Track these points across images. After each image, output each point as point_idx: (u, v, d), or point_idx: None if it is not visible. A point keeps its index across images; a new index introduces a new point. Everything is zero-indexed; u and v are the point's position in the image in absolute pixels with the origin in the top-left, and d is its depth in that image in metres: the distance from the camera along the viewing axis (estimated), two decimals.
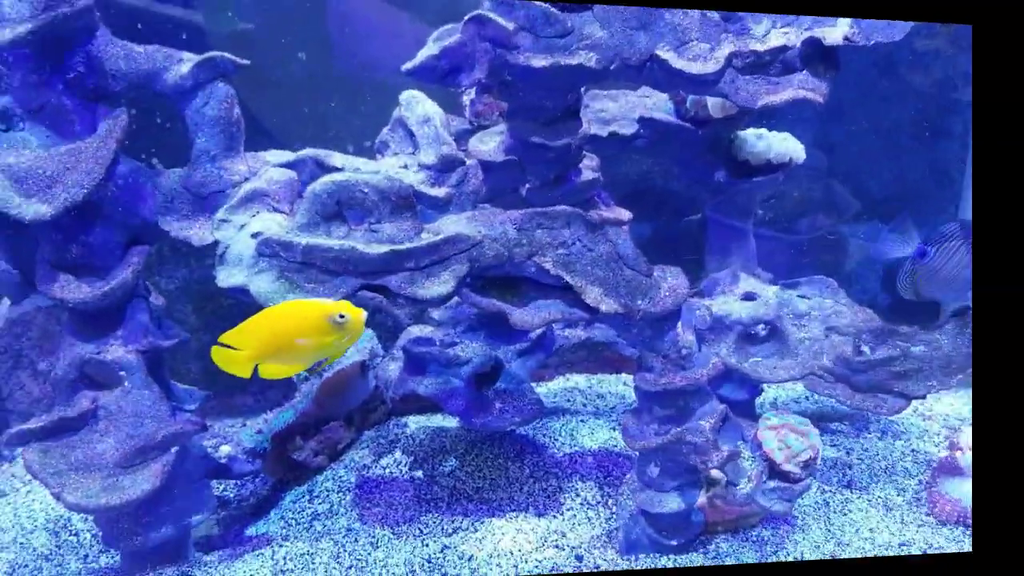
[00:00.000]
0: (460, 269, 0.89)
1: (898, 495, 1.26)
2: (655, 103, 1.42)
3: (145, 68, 0.88)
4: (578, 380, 1.84)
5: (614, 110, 1.40)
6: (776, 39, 0.93)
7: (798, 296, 1.32)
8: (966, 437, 1.19)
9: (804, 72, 0.95)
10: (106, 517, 0.98)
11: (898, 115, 1.82)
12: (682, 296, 0.94)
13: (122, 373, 0.97)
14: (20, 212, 0.81)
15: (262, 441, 1.35)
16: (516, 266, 0.93)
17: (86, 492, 0.90)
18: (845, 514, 1.20)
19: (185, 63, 0.90)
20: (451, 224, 0.95)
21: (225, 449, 1.33)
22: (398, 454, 1.42)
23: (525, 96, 0.99)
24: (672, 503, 1.02)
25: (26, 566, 1.14)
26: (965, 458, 1.17)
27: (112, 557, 1.13)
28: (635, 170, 1.77)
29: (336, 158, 1.09)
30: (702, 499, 1.08)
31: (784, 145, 1.44)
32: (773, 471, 1.02)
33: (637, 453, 1.05)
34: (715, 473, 1.05)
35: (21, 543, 1.20)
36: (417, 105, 1.15)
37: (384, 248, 0.86)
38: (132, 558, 1.05)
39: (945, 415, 1.55)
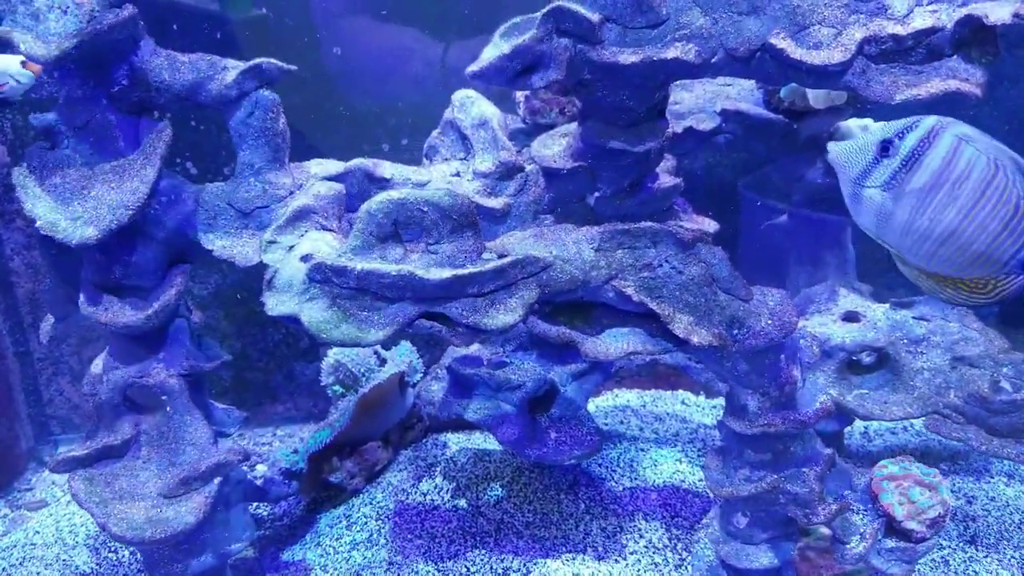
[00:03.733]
0: (528, 295, 0.87)
1: None
2: (739, 92, 1.32)
3: (190, 78, 0.90)
4: (629, 397, 1.82)
5: (690, 101, 1.32)
6: (921, 20, 0.82)
7: (914, 317, 1.21)
8: None
9: (954, 57, 0.84)
10: (148, 548, 1.02)
11: None
12: (789, 325, 0.87)
13: (164, 398, 1.00)
14: (67, 236, 0.84)
15: (298, 461, 1.38)
16: (591, 291, 0.90)
17: (131, 524, 0.95)
18: (970, 575, 1.14)
19: (230, 71, 0.91)
20: (516, 242, 0.92)
21: (261, 469, 1.37)
22: (438, 479, 1.43)
23: (606, 96, 0.91)
24: (763, 558, 0.98)
25: None
26: None
27: None
28: (698, 165, 1.69)
29: (385, 167, 1.09)
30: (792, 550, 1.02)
31: None
32: (890, 528, 0.96)
33: (721, 500, 1.01)
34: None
35: (64, 560, 1.27)
36: (472, 106, 1.13)
37: (446, 273, 0.84)
38: None
39: None
